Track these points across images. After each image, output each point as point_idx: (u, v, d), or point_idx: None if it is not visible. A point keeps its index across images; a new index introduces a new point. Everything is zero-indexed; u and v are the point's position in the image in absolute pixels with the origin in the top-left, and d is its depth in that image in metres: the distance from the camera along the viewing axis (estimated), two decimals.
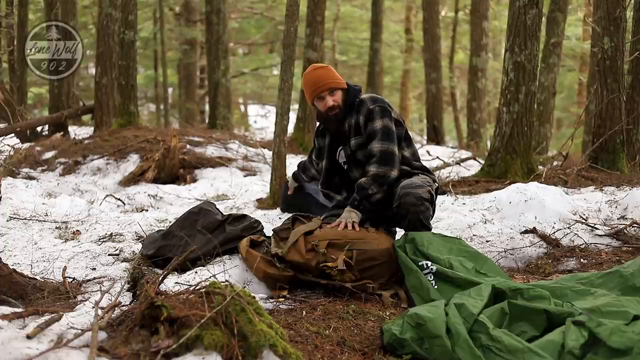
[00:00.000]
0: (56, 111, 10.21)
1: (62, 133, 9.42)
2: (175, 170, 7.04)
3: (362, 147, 3.56)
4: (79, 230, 4.43)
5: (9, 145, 7.96)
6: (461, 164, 7.97)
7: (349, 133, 3.60)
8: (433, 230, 3.47)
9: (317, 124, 3.84)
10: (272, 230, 3.44)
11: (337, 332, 2.65)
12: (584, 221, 4.21)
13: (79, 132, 9.78)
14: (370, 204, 3.42)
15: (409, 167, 3.58)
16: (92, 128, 10.10)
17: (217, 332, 2.00)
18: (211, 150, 7.98)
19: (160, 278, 2.45)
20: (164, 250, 3.48)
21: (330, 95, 3.54)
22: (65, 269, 3.24)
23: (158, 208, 5.68)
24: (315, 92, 3.56)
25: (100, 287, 3.10)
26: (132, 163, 7.40)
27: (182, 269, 3.22)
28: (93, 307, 2.38)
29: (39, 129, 9.77)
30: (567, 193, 4.92)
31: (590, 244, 3.93)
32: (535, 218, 4.28)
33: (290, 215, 3.59)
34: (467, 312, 2.42)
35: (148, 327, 2.07)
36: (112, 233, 4.29)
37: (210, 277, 2.63)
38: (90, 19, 17.18)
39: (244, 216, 3.72)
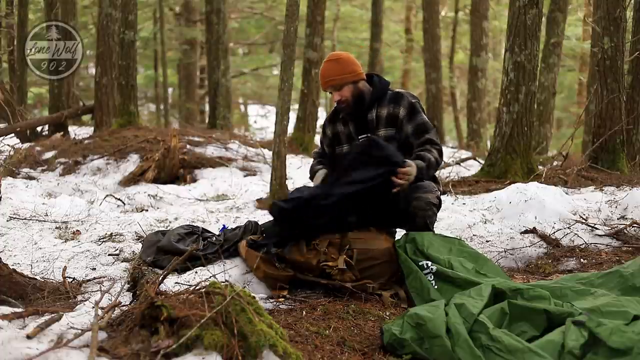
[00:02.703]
0: (56, 111, 10.21)
1: (62, 133, 9.42)
2: (175, 170, 7.04)
3: (390, 140, 3.46)
4: (79, 230, 4.43)
5: (9, 145, 7.96)
6: (461, 164, 7.97)
7: (376, 123, 3.51)
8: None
9: (333, 109, 3.72)
10: None
11: (337, 332, 2.65)
12: (584, 221, 4.21)
13: (79, 132, 9.78)
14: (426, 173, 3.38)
15: None
16: (92, 128, 10.10)
17: (217, 332, 2.00)
18: (211, 150, 7.98)
19: (160, 278, 2.45)
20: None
21: (337, 90, 3.48)
22: (65, 269, 3.24)
23: (158, 208, 5.69)
24: (322, 87, 3.56)
25: (100, 287, 3.10)
26: (132, 163, 7.40)
27: (186, 263, 3.13)
28: (93, 307, 2.38)
29: (39, 129, 9.77)
30: (567, 193, 4.92)
31: (590, 244, 3.93)
32: (535, 218, 4.27)
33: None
34: (467, 312, 2.42)
35: (148, 327, 2.07)
36: (112, 233, 4.29)
37: (210, 277, 2.63)
38: (90, 19, 17.19)
39: None
